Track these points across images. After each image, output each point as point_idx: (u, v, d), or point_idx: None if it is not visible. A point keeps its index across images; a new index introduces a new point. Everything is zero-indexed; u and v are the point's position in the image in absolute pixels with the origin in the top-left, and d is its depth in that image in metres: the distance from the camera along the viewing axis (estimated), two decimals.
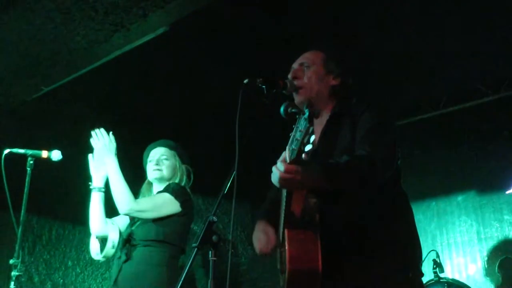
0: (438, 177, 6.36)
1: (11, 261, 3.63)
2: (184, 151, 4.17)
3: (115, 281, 3.75)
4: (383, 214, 2.40)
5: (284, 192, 2.29)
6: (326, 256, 2.22)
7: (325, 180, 2.16)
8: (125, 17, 3.87)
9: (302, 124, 1.98)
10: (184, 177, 4.03)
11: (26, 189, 3.76)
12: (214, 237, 2.13)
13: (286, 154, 2.09)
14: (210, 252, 2.14)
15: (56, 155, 3.91)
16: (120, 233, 3.96)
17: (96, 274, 7.09)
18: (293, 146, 2.02)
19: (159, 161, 3.98)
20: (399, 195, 2.56)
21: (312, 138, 1.95)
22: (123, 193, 3.66)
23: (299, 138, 1.98)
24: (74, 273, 6.89)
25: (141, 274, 3.67)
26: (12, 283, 3.61)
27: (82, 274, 6.98)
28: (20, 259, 3.65)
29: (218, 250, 2.18)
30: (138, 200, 3.80)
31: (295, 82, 2.62)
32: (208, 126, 5.81)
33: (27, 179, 3.78)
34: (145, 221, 3.79)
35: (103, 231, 3.97)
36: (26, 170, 3.80)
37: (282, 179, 2.10)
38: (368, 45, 4.78)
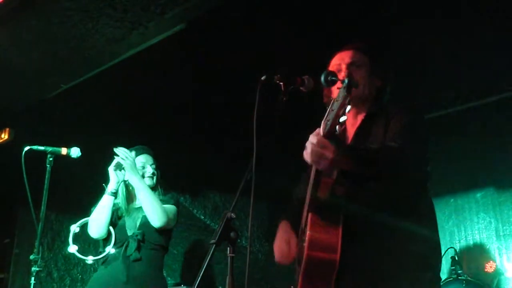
0: (456, 174, 6.30)
1: (31, 257, 3.67)
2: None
3: (126, 280, 3.79)
4: (409, 213, 2.39)
5: (313, 175, 2.29)
6: (346, 246, 2.22)
7: (354, 160, 2.18)
8: (143, 15, 3.89)
9: (340, 94, 1.97)
10: (160, 184, 4.23)
11: (46, 186, 3.80)
12: (232, 234, 2.13)
13: (321, 127, 2.11)
14: (228, 248, 2.15)
15: (75, 152, 3.95)
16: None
17: None
18: (329, 117, 2.03)
19: (153, 169, 4.16)
20: (425, 196, 2.55)
21: (348, 108, 1.95)
22: (157, 209, 3.86)
23: (334, 109, 1.98)
24: (92, 269, 6.94)
25: (150, 276, 3.82)
26: (32, 278, 3.64)
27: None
28: (40, 255, 3.69)
29: (236, 246, 2.18)
30: (166, 208, 3.97)
31: (349, 78, 2.60)
32: (225, 122, 5.82)
33: (47, 175, 3.82)
34: (148, 223, 3.90)
35: (103, 235, 4.02)
36: (46, 167, 3.84)
37: (313, 152, 2.12)
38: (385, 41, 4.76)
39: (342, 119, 1.96)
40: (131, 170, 3.92)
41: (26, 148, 3.83)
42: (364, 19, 4.48)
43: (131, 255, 3.81)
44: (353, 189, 2.34)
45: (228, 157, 5.63)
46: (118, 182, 4.00)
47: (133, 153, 4.05)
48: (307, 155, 2.16)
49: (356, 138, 2.58)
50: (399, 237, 2.34)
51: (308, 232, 2.24)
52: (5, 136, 5.57)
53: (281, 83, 2.43)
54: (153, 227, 3.89)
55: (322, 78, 2.22)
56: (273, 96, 2.40)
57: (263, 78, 2.40)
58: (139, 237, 3.86)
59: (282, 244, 2.61)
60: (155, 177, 4.13)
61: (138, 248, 3.82)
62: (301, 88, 2.53)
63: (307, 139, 2.17)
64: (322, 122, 2.10)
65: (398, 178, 2.33)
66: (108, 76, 4.78)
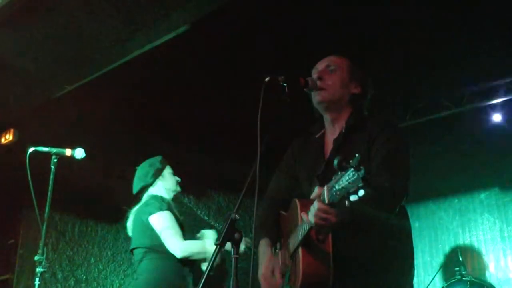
0: (460, 175, 6.31)
1: (35, 258, 3.68)
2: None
3: None
4: (391, 234, 2.46)
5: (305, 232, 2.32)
6: (337, 275, 2.28)
7: (352, 221, 2.19)
8: (147, 16, 3.90)
9: (352, 177, 1.95)
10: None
11: (50, 187, 3.80)
12: (236, 235, 2.14)
13: (325, 193, 2.09)
14: (232, 249, 2.15)
15: (79, 153, 3.96)
16: None
17: (119, 270, 7.15)
18: (337, 190, 2.01)
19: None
20: (402, 212, 2.58)
21: (362, 193, 1.93)
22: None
23: (345, 187, 1.97)
24: (96, 269, 6.96)
25: None
26: (37, 279, 3.65)
27: (105, 271, 7.04)
28: (44, 256, 3.70)
29: (239, 247, 2.19)
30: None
31: (319, 82, 2.61)
32: (229, 123, 5.82)
33: (51, 176, 3.83)
34: None
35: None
36: (50, 168, 3.85)
37: (316, 218, 2.14)
38: (388, 43, 4.76)
39: (352, 197, 1.95)
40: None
41: (31, 149, 3.84)
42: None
43: None
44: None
45: (232, 158, 5.64)
46: None
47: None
48: (310, 219, 2.18)
49: (334, 153, 2.56)
50: (385, 254, 2.42)
51: (301, 264, 2.31)
52: (9, 137, 5.58)
53: (285, 84, 2.43)
54: None
55: (335, 164, 2.13)
56: (277, 97, 2.40)
57: (267, 79, 2.40)
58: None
59: (267, 275, 2.64)
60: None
61: None
62: (304, 89, 2.54)
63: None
64: (326, 187, 2.09)
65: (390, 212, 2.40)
66: (113, 77, 4.78)
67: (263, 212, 2.87)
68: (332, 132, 2.68)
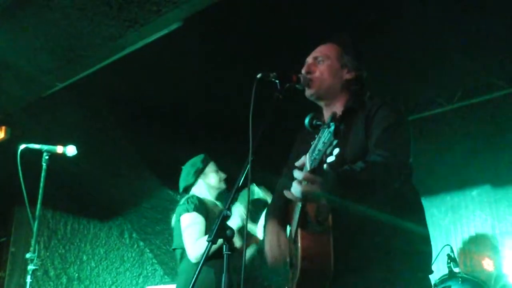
0: (452, 172, 6.32)
1: (27, 255, 3.66)
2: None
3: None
4: (396, 214, 2.37)
5: (299, 210, 2.29)
6: (338, 256, 2.23)
7: (342, 191, 2.14)
8: (139, 13, 3.88)
9: (326, 136, 1.95)
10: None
11: (41, 184, 3.79)
12: (228, 232, 2.13)
13: (306, 162, 2.08)
14: (224, 246, 2.15)
15: (71, 150, 3.95)
16: None
17: (111, 268, 7.14)
18: (315, 155, 2.01)
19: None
20: (411, 193, 2.53)
21: (336, 151, 1.93)
22: None
23: (321, 149, 1.96)
24: (89, 267, 6.96)
25: None
26: (29, 277, 3.64)
27: (97, 269, 7.04)
28: (36, 254, 3.69)
29: (232, 244, 2.18)
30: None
31: (308, 76, 2.61)
32: (221, 120, 5.82)
33: (43, 174, 3.82)
34: None
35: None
36: (42, 165, 3.84)
37: (300, 189, 2.09)
38: (382, 39, 4.76)
39: (329, 159, 1.95)
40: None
41: (22, 146, 3.83)
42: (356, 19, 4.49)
43: None
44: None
45: (225, 155, 5.63)
46: None
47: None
48: (293, 191, 2.13)
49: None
50: (390, 240, 2.35)
51: (300, 247, 2.25)
52: (1, 134, 5.56)
53: (277, 81, 2.43)
54: None
55: (306, 122, 2.22)
56: (269, 94, 2.40)
57: (258, 76, 2.40)
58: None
59: (273, 249, 2.59)
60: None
61: None
62: (296, 86, 2.54)
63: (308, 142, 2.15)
64: (307, 157, 2.07)
65: (389, 189, 2.32)
66: (104, 74, 4.77)
67: (270, 205, 2.87)
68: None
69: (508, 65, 5.46)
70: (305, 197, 2.13)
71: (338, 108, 2.62)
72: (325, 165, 1.99)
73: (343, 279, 2.28)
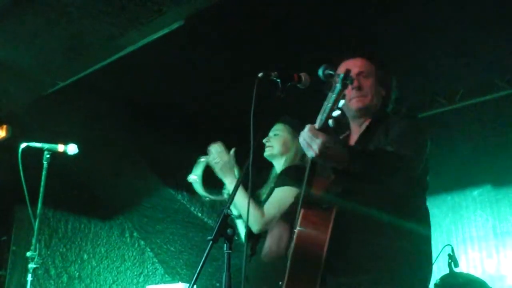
0: (453, 172, 6.31)
1: (28, 254, 3.67)
2: (299, 123, 3.84)
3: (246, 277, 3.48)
4: (399, 213, 2.39)
5: (308, 172, 2.30)
6: (333, 246, 2.23)
7: (347, 158, 2.18)
8: (140, 12, 3.88)
9: (336, 87, 2.02)
10: (299, 152, 3.62)
11: (42, 183, 3.80)
12: (229, 230, 2.14)
13: (316, 122, 2.15)
14: (225, 245, 2.15)
15: (72, 149, 3.95)
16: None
17: (112, 267, 7.14)
18: (323, 114, 2.08)
19: (269, 138, 3.69)
20: (421, 194, 2.56)
21: (342, 102, 2.00)
22: (251, 214, 3.28)
23: (330, 104, 2.03)
24: (90, 266, 6.96)
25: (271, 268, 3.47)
26: (29, 275, 3.65)
27: (98, 267, 7.04)
28: (37, 252, 3.69)
29: (233, 243, 2.18)
30: (264, 211, 3.43)
31: (357, 92, 2.60)
32: (222, 119, 5.82)
33: (44, 172, 3.82)
34: None
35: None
36: (43, 164, 3.84)
37: (305, 139, 2.14)
38: (383, 38, 4.76)
39: (335, 113, 2.00)
40: (220, 172, 3.54)
41: (23, 145, 3.83)
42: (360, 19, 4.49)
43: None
44: (347, 187, 2.36)
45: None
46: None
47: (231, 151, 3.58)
48: (301, 144, 2.19)
49: (358, 143, 2.60)
50: (389, 237, 2.35)
51: (297, 227, 2.26)
52: (2, 133, 5.56)
53: (278, 80, 2.43)
54: None
55: (320, 71, 2.27)
56: (271, 93, 2.40)
57: (260, 75, 2.40)
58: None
59: (272, 245, 2.65)
60: (273, 148, 3.64)
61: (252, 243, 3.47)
62: (298, 85, 2.54)
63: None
64: (318, 117, 2.13)
65: (391, 179, 2.34)
66: (106, 73, 4.77)
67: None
68: (357, 132, 2.69)
69: (510, 65, 5.45)
70: (308, 147, 2.16)
71: (366, 122, 2.66)
72: (329, 121, 2.05)
73: (337, 276, 2.29)
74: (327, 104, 2.06)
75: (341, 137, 2.75)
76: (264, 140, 3.66)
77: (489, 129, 6.07)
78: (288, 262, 2.29)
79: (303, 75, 2.57)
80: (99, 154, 4.26)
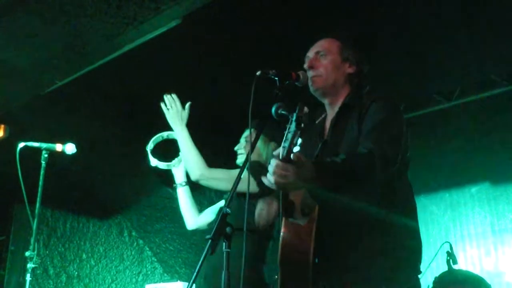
0: (451, 169, 6.32)
1: (26, 254, 3.66)
2: (271, 126, 3.92)
3: (204, 276, 3.64)
4: (384, 208, 2.38)
5: (281, 197, 2.31)
6: (319, 249, 2.23)
7: (317, 178, 2.11)
8: (138, 10, 3.88)
9: (292, 125, 2.00)
10: (269, 156, 3.83)
11: (40, 182, 3.79)
12: (228, 229, 2.14)
13: (280, 151, 2.10)
14: (224, 243, 2.15)
15: (70, 148, 3.95)
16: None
17: (110, 266, 7.15)
18: (285, 145, 2.04)
19: (241, 144, 3.84)
20: (403, 188, 2.52)
21: (299, 141, 1.98)
22: (194, 159, 3.54)
23: (289, 139, 2.01)
24: (88, 265, 6.96)
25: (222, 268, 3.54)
26: (28, 275, 3.64)
27: (97, 267, 7.05)
28: (35, 252, 3.69)
29: (232, 241, 2.18)
30: (212, 168, 3.62)
31: (311, 72, 2.61)
32: (220, 118, 5.82)
33: (42, 172, 3.82)
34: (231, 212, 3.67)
35: (197, 224, 3.94)
36: (41, 164, 3.84)
37: (274, 176, 2.08)
38: (382, 36, 4.76)
39: (295, 149, 1.98)
40: (171, 120, 3.67)
41: (21, 144, 3.83)
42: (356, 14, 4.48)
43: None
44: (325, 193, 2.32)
45: (224, 152, 5.62)
46: (183, 170, 3.90)
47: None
48: (268, 179, 2.13)
49: (332, 132, 2.57)
50: (377, 236, 2.34)
51: (281, 235, 2.26)
52: (0, 133, 5.56)
53: (276, 78, 2.43)
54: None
55: (273, 111, 2.24)
56: (268, 91, 2.40)
57: (258, 73, 2.40)
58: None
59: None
60: (243, 155, 3.78)
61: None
62: (296, 83, 2.54)
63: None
64: (281, 146, 2.08)
65: (369, 181, 2.29)
66: (103, 72, 4.76)
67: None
68: (331, 114, 2.66)
69: (507, 62, 5.46)
70: (278, 185, 2.11)
71: (338, 102, 2.63)
72: (292, 155, 2.00)
73: (327, 274, 2.29)
74: (287, 139, 2.03)
75: (317, 121, 2.75)
76: (235, 148, 3.82)
77: (486, 126, 6.07)
78: (279, 270, 2.29)
79: (301, 73, 2.58)
80: (97, 154, 4.26)
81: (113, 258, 7.17)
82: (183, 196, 3.98)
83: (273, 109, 2.25)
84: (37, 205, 3.75)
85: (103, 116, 5.51)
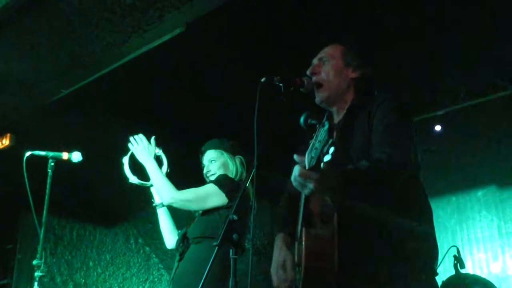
0: (457, 172, 6.31)
1: (34, 262, 3.67)
2: (233, 142, 4.15)
3: (172, 279, 3.76)
4: (401, 213, 2.36)
5: (303, 202, 2.28)
6: (342, 256, 2.20)
7: (343, 188, 2.09)
8: (142, 19, 3.90)
9: (322, 134, 1.96)
10: (238, 169, 4.01)
11: (47, 191, 3.80)
12: (234, 236, 2.14)
13: (305, 161, 2.07)
14: (231, 250, 2.15)
15: (76, 156, 3.97)
16: None
17: (117, 274, 7.15)
18: (312, 154, 2.01)
19: (209, 167, 4.00)
20: (417, 192, 2.51)
21: (332, 149, 1.91)
22: (164, 185, 3.77)
23: (318, 148, 1.96)
24: (95, 273, 6.96)
25: (189, 271, 3.66)
26: (36, 283, 3.65)
27: (103, 274, 7.05)
28: (42, 260, 3.69)
29: (238, 248, 2.19)
30: (181, 190, 3.82)
31: (314, 78, 2.61)
32: (226, 126, 5.82)
33: (48, 180, 3.83)
34: (198, 218, 3.81)
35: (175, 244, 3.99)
36: (47, 172, 3.85)
37: (300, 185, 2.07)
38: (384, 40, 4.76)
39: (325, 158, 1.94)
40: (138, 155, 3.90)
41: (28, 153, 3.84)
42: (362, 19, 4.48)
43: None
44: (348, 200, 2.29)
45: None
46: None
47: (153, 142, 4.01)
48: (294, 184, 2.11)
49: (340, 135, 2.54)
50: (396, 240, 2.32)
51: (304, 246, 2.23)
52: (6, 141, 5.58)
53: (281, 85, 2.44)
54: (194, 223, 3.83)
55: (302, 121, 2.21)
56: (273, 98, 2.41)
57: (263, 80, 2.41)
58: (178, 236, 3.82)
59: (278, 270, 2.55)
60: (216, 174, 3.94)
61: (182, 248, 3.74)
62: (301, 89, 2.54)
63: (308, 140, 2.15)
64: (306, 155, 2.05)
65: (391, 188, 2.29)
66: (108, 80, 4.78)
67: (278, 209, 2.84)
68: (338, 119, 2.65)
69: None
70: (303, 191, 2.11)
71: (344, 107, 2.62)
72: (322, 164, 1.97)
73: (349, 282, 2.25)
74: (316, 149, 1.98)
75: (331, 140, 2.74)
76: (205, 172, 4.01)
77: (493, 129, 6.05)
78: (301, 282, 2.27)
79: (305, 79, 2.58)
80: (103, 161, 4.27)
81: (120, 266, 7.18)
82: (163, 216, 4.10)
83: (302, 119, 2.22)
84: (44, 213, 3.76)
85: (108, 124, 5.52)
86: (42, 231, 3.74)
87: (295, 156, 2.11)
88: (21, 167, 3.79)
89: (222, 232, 2.13)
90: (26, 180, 3.78)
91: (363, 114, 2.49)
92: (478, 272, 5.91)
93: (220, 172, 3.93)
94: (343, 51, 2.69)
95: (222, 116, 5.77)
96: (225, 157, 4.01)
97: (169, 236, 4.07)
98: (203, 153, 4.09)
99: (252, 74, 2.51)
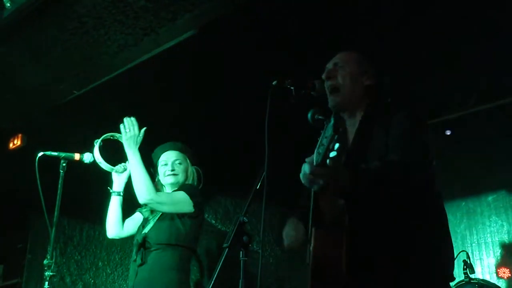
0: (467, 177, 6.27)
1: (45, 262, 3.69)
2: (192, 151, 4.23)
3: (132, 286, 3.81)
4: (415, 218, 2.34)
5: (312, 199, 2.28)
6: (351, 259, 2.19)
7: (353, 185, 2.11)
8: (154, 21, 3.92)
9: (328, 131, 1.99)
10: (195, 179, 4.12)
11: (59, 191, 3.82)
12: (244, 238, 2.15)
13: (314, 157, 2.09)
14: (240, 252, 2.16)
15: (88, 157, 3.99)
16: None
17: (126, 274, 7.15)
18: (320, 151, 2.03)
19: (173, 166, 4.05)
20: (432, 197, 2.50)
21: (337, 146, 1.95)
22: (145, 183, 3.73)
23: (324, 144, 1.99)
24: (104, 273, 6.99)
25: (154, 278, 3.72)
26: (46, 283, 3.67)
27: (113, 275, 7.07)
28: (53, 260, 3.71)
29: (248, 250, 2.20)
30: (158, 192, 3.88)
31: (329, 82, 2.61)
32: (236, 128, 5.83)
33: (60, 181, 3.85)
34: (157, 224, 3.87)
35: (118, 234, 4.11)
36: (59, 173, 3.87)
37: (308, 181, 2.09)
38: (394, 44, 4.75)
39: (331, 154, 1.96)
40: (126, 142, 3.84)
41: (40, 153, 3.86)
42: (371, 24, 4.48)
43: (135, 260, 3.85)
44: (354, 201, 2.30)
45: (239, 161, 5.64)
46: (124, 181, 4.05)
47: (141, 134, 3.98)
48: (303, 180, 2.13)
49: (356, 142, 2.55)
50: (408, 244, 2.31)
51: (313, 246, 2.23)
52: (18, 142, 5.62)
53: (292, 88, 2.44)
54: (153, 226, 3.87)
55: (309, 117, 2.22)
56: (284, 101, 2.41)
57: (274, 83, 2.42)
58: (139, 240, 3.84)
59: (289, 231, 2.57)
60: (178, 176, 4.05)
61: (142, 253, 3.80)
62: (312, 92, 2.55)
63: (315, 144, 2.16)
64: (315, 152, 2.07)
65: (403, 190, 2.28)
66: (121, 81, 4.80)
67: (295, 209, 2.85)
68: (352, 124, 2.64)
69: None
70: (312, 187, 2.13)
71: (358, 113, 2.62)
72: (328, 160, 1.99)
73: (357, 285, 2.25)
74: (323, 145, 2.02)
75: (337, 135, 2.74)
76: (166, 169, 4.06)
77: (504, 133, 6.02)
78: (309, 283, 2.27)
79: (317, 83, 2.59)
80: (114, 162, 4.28)
81: (129, 267, 7.21)
82: (115, 205, 4.13)
83: (309, 115, 2.23)
84: (56, 214, 3.78)
85: (119, 125, 5.54)
86: (53, 231, 3.76)
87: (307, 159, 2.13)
88: (32, 167, 3.81)
89: (233, 234, 2.14)
90: (38, 180, 3.80)
91: (380, 122, 2.49)
92: (487, 278, 5.88)
93: (182, 176, 4.04)
94: (358, 58, 2.70)
95: (233, 119, 5.77)
96: (188, 163, 4.12)
97: (114, 225, 4.10)
98: (163, 150, 4.16)
99: (264, 77, 2.52)
